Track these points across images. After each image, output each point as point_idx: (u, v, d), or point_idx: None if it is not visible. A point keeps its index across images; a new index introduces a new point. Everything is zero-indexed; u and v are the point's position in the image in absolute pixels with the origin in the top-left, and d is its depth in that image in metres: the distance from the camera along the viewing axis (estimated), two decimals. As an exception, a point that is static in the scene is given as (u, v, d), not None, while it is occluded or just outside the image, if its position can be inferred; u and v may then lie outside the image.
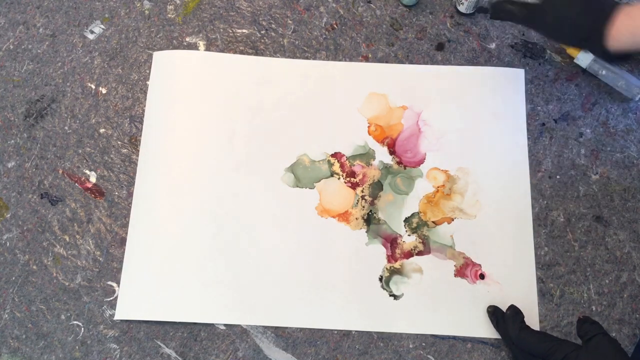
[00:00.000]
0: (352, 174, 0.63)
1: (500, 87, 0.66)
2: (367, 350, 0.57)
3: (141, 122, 0.65)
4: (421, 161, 0.63)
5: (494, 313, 0.57)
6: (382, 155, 0.64)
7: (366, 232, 0.61)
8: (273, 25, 0.69)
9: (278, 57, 0.68)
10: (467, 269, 0.59)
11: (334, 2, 0.70)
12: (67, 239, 0.61)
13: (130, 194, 0.62)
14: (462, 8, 0.68)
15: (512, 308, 0.56)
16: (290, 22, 0.69)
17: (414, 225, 0.61)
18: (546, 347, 0.51)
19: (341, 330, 0.58)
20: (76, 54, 0.68)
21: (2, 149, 0.64)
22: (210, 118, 0.65)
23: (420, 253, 0.60)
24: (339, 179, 0.63)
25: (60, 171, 0.63)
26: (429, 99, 0.66)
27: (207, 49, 0.68)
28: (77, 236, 0.61)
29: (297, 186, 0.62)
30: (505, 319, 0.55)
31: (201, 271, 0.59)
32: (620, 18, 0.52)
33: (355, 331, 0.58)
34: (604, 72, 0.65)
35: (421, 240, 0.61)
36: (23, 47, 0.68)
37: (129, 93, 0.66)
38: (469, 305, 0.58)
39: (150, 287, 0.59)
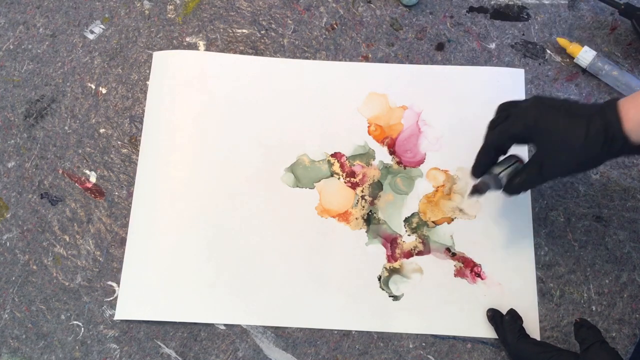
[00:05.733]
0: (352, 174, 0.63)
1: (500, 87, 0.66)
2: (367, 350, 0.57)
3: (141, 122, 0.65)
4: (421, 161, 0.63)
5: (493, 317, 0.56)
6: (382, 155, 0.64)
7: (366, 232, 0.61)
8: (273, 25, 0.69)
9: (278, 57, 0.68)
10: (467, 269, 0.59)
11: (334, 2, 0.70)
12: (67, 239, 0.61)
13: (130, 194, 0.62)
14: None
15: (511, 313, 0.56)
16: (290, 22, 0.69)
17: (414, 225, 0.61)
18: (544, 358, 0.51)
19: (341, 330, 0.58)
20: (76, 54, 0.68)
21: (2, 149, 0.64)
22: (210, 118, 0.65)
23: (420, 253, 0.60)
24: (339, 179, 0.63)
25: (60, 171, 0.64)
26: (429, 99, 0.66)
27: (207, 49, 0.68)
28: (77, 236, 0.61)
29: (297, 186, 0.62)
30: (503, 325, 0.55)
31: (201, 271, 0.59)
32: (629, 112, 0.46)
33: (355, 331, 0.58)
34: (604, 72, 0.65)
35: (421, 240, 0.61)
36: (23, 47, 0.68)
37: (129, 93, 0.66)
38: (469, 305, 0.58)
39: (150, 287, 0.59)
